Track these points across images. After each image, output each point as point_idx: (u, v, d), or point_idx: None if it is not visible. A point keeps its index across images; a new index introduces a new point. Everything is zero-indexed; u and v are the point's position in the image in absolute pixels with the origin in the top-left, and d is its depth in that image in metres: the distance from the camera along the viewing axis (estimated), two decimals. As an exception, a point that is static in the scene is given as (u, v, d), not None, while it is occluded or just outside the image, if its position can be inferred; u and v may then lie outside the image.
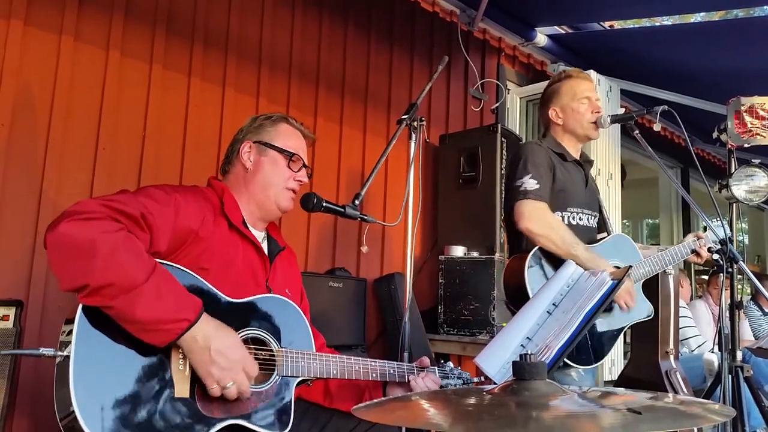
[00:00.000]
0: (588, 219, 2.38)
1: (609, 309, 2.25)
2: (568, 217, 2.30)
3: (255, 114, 1.83)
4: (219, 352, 1.32)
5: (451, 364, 1.79)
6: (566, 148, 2.38)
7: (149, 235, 1.37)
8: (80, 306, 1.26)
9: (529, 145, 2.36)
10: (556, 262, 2.12)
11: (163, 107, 2.69)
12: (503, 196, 2.59)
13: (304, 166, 1.74)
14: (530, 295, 2.03)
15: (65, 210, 1.28)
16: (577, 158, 2.41)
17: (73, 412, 1.18)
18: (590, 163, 2.50)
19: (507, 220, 2.33)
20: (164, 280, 1.30)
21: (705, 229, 2.49)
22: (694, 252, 2.40)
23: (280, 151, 1.69)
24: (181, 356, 1.34)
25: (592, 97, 2.37)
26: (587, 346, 2.15)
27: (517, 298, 2.08)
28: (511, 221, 2.25)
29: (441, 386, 1.72)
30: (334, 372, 1.55)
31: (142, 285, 1.25)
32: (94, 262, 1.22)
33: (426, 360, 1.74)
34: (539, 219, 2.13)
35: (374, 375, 1.62)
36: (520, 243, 2.25)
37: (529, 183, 2.17)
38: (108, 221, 1.28)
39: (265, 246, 1.70)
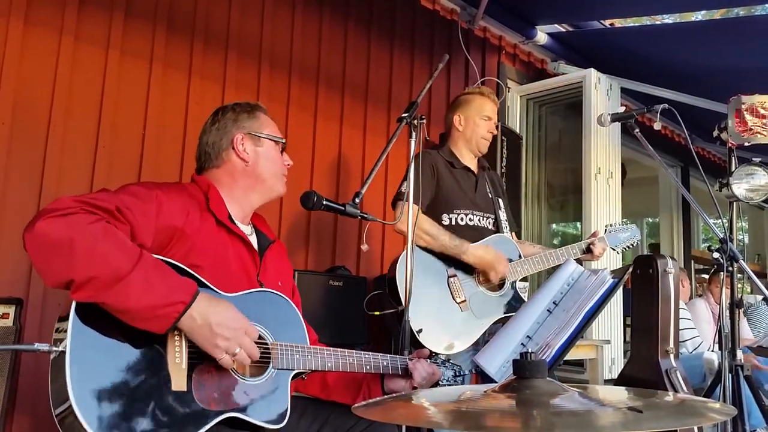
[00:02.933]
0: (479, 220, 2.53)
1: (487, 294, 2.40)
2: (456, 218, 2.46)
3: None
4: (220, 325, 1.32)
5: (442, 356, 1.80)
6: (458, 155, 2.58)
7: (129, 228, 1.35)
8: (73, 301, 1.25)
9: (421, 156, 2.54)
10: (427, 256, 2.33)
11: (163, 106, 2.69)
12: None
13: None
14: (399, 289, 2.19)
15: (41, 210, 1.26)
16: (469, 165, 2.59)
17: (70, 405, 1.18)
18: (486, 169, 2.69)
19: None
20: (153, 265, 1.29)
21: (606, 229, 2.61)
22: (589, 251, 2.54)
23: (272, 138, 1.70)
24: (177, 348, 1.33)
25: (493, 119, 2.60)
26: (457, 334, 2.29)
27: (393, 291, 2.25)
28: None
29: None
30: (329, 365, 1.56)
31: (129, 274, 1.23)
32: (75, 257, 1.20)
33: (425, 351, 1.74)
34: (403, 221, 2.27)
35: (368, 367, 1.62)
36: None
37: (404, 186, 2.33)
38: (84, 214, 1.26)
39: (253, 240, 1.69)
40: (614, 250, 2.63)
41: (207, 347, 1.32)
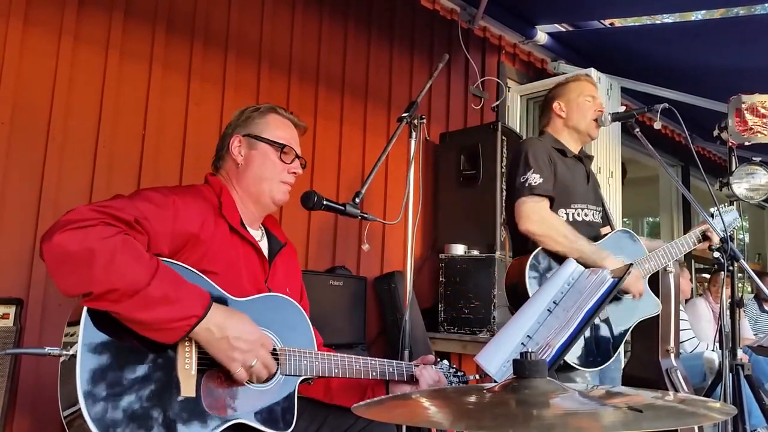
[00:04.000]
0: (593, 214, 2.35)
1: (617, 303, 2.22)
2: (573, 214, 2.27)
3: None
4: (238, 338, 1.34)
5: (446, 362, 1.79)
6: (565, 144, 2.37)
7: (147, 238, 1.35)
8: (85, 307, 1.26)
9: (528, 141, 2.36)
10: (559, 262, 2.10)
11: (162, 106, 2.68)
12: (505, 195, 2.55)
13: (297, 156, 1.69)
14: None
15: (59, 219, 1.26)
16: (577, 154, 2.40)
17: (78, 408, 1.19)
18: (590, 158, 2.49)
19: (509, 220, 2.31)
20: (168, 278, 1.30)
21: (712, 216, 2.41)
22: (705, 238, 2.34)
23: (271, 143, 1.65)
24: (186, 355, 1.34)
25: (597, 98, 2.39)
26: (594, 347, 2.13)
27: (518, 301, 2.05)
28: (513, 221, 2.23)
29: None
30: (336, 371, 1.55)
31: (146, 287, 1.24)
32: (94, 270, 1.21)
33: (430, 357, 1.73)
34: (539, 220, 2.11)
35: (374, 374, 1.62)
36: (525, 242, 2.20)
37: (533, 178, 2.14)
38: (103, 226, 1.26)
39: (264, 244, 1.69)
40: (723, 234, 2.43)
41: (223, 360, 1.34)
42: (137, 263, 1.26)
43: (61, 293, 1.25)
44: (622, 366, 2.39)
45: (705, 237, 2.37)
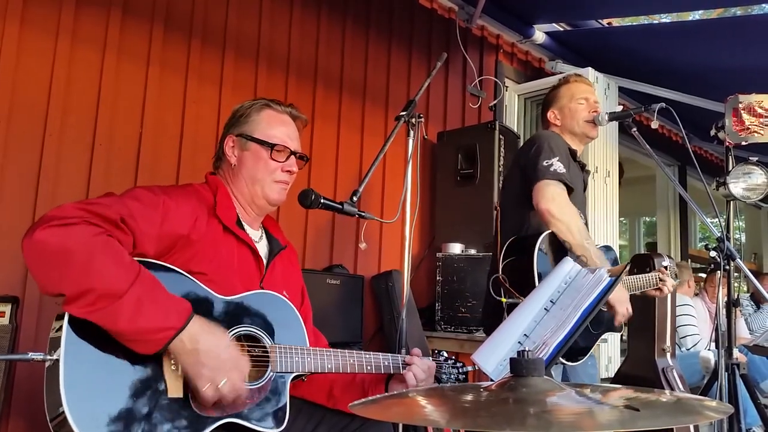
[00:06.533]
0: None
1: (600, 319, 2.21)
2: None
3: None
4: (208, 353, 1.28)
5: (445, 353, 1.78)
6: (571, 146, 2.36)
7: (131, 237, 1.31)
8: None
9: (549, 133, 2.34)
10: (561, 251, 2.09)
11: (160, 105, 2.68)
12: (503, 178, 2.51)
13: (293, 153, 1.64)
14: (536, 278, 2.00)
15: (42, 215, 1.23)
16: (581, 161, 2.40)
17: (63, 412, 1.17)
18: (588, 172, 2.48)
19: (514, 201, 2.28)
20: (149, 286, 1.25)
21: (666, 268, 2.46)
22: (658, 289, 2.36)
23: (261, 142, 1.61)
24: (173, 356, 1.32)
25: (591, 98, 2.38)
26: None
27: (522, 279, 2.02)
28: (517, 201, 2.22)
29: (436, 376, 1.70)
30: (329, 366, 1.53)
31: (124, 294, 1.19)
32: (69, 270, 1.18)
33: (416, 350, 1.70)
34: (561, 205, 2.08)
35: (369, 368, 1.59)
36: (521, 226, 2.20)
37: (558, 165, 2.12)
38: (85, 225, 1.22)
39: (264, 245, 1.66)
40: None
41: (191, 374, 1.28)
42: (117, 267, 1.22)
43: (40, 291, 1.22)
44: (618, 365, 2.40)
45: (660, 280, 2.36)
